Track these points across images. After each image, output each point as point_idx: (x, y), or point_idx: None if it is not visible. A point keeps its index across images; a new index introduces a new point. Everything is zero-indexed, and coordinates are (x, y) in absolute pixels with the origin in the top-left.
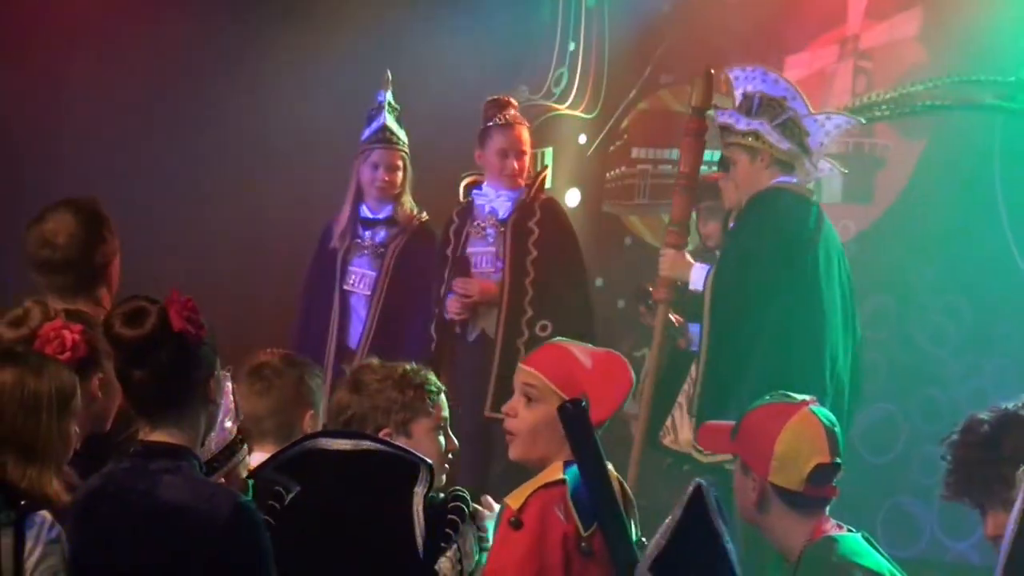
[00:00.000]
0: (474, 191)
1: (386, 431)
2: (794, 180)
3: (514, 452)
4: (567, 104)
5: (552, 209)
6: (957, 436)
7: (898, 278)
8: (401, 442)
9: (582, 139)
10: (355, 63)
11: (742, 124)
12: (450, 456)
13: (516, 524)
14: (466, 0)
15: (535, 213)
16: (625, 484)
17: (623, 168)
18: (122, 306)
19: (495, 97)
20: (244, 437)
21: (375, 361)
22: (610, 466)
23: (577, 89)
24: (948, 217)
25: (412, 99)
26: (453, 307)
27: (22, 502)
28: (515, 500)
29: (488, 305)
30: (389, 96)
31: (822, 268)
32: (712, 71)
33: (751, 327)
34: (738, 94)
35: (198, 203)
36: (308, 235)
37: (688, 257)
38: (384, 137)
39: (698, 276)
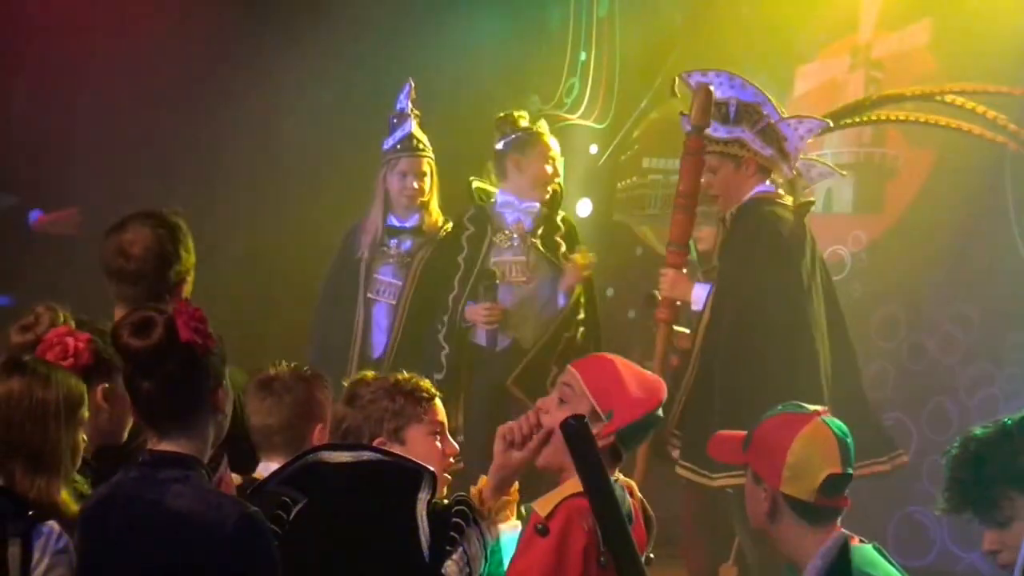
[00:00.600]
0: (499, 199)
1: (379, 440)
2: (773, 188)
3: (539, 459)
4: (578, 114)
5: (572, 223)
6: (951, 452)
7: (908, 287)
8: (396, 449)
9: (593, 149)
10: (367, 73)
11: (722, 132)
12: (451, 460)
13: (543, 531)
14: (477, 10)
15: (559, 226)
16: (645, 502)
17: (634, 178)
18: (130, 316)
19: (516, 112)
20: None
21: (369, 373)
22: (634, 485)
23: (588, 99)
24: (958, 226)
25: (423, 108)
26: (479, 315)
27: (30, 512)
28: (543, 507)
29: (521, 315)
30: (410, 104)
31: (806, 277)
32: (710, 87)
33: (751, 342)
34: None
35: (206, 209)
36: (320, 245)
37: (686, 276)
38: (411, 145)
39: (699, 296)
